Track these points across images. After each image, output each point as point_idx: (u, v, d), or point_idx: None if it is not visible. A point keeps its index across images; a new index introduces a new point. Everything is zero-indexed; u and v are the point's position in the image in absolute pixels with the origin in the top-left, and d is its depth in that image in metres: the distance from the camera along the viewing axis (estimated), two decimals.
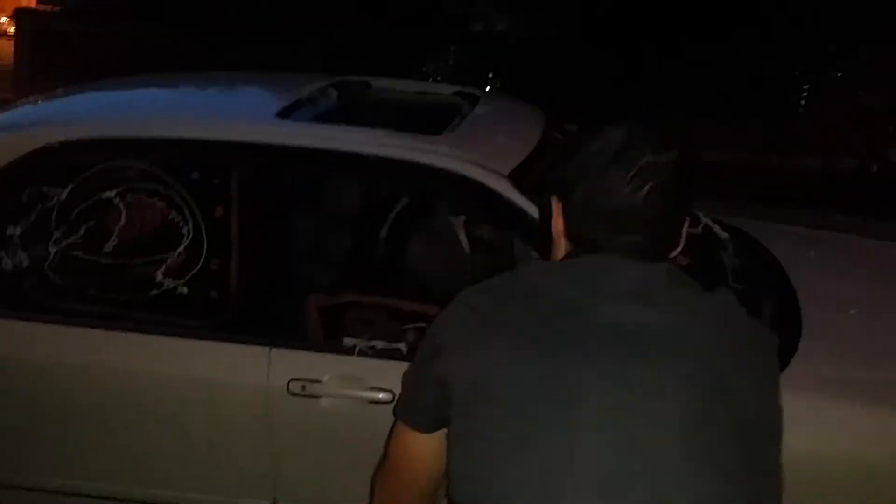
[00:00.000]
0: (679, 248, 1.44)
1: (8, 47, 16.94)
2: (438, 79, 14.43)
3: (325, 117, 2.76)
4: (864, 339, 2.59)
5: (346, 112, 2.94)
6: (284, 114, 2.64)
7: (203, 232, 2.42)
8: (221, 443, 2.40)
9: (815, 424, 2.21)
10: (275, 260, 2.43)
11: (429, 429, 1.45)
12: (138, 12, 14.31)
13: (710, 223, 3.24)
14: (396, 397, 1.55)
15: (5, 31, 18.37)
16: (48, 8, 16.48)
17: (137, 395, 2.40)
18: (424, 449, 1.46)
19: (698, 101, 12.39)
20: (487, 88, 14.29)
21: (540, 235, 2.29)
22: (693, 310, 1.33)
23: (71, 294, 2.47)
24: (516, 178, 2.44)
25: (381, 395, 2.28)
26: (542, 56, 13.16)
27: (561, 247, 1.45)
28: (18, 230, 2.46)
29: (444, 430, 1.40)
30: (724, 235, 3.17)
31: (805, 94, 11.58)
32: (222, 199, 2.43)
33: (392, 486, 1.55)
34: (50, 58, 14.65)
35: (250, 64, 11.96)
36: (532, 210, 2.34)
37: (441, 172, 2.39)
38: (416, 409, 1.46)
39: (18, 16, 15.78)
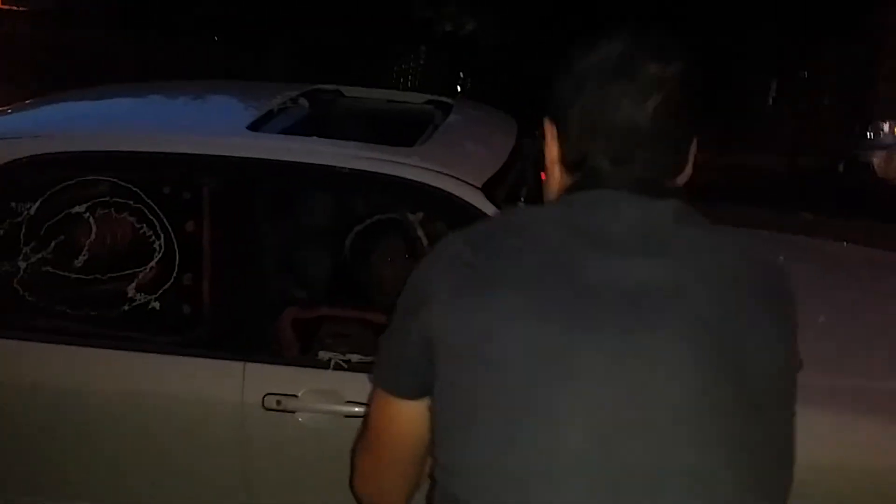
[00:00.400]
0: (688, 173, 1.28)
1: None
2: (409, 78, 14.45)
3: (296, 129, 2.75)
4: (832, 345, 2.62)
5: (318, 123, 2.93)
6: (255, 126, 2.63)
7: (175, 246, 2.40)
8: (197, 459, 2.39)
9: None
10: (248, 274, 2.42)
11: (413, 395, 1.27)
12: (105, 16, 14.17)
13: None
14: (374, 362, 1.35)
15: None
16: (12, 8, 16.25)
17: (110, 412, 2.38)
18: (409, 418, 1.29)
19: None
20: (458, 88, 14.31)
21: None
22: (700, 257, 1.18)
23: (41, 310, 2.44)
24: (490, 189, 2.44)
25: (357, 409, 2.27)
26: (512, 56, 13.21)
27: (556, 177, 1.29)
28: None
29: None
30: None
31: (772, 94, 11.69)
32: (194, 214, 2.41)
33: (375, 462, 1.37)
34: (14, 60, 14.46)
35: (220, 68, 11.90)
36: None
37: (414, 185, 2.39)
38: (397, 373, 1.28)
39: None
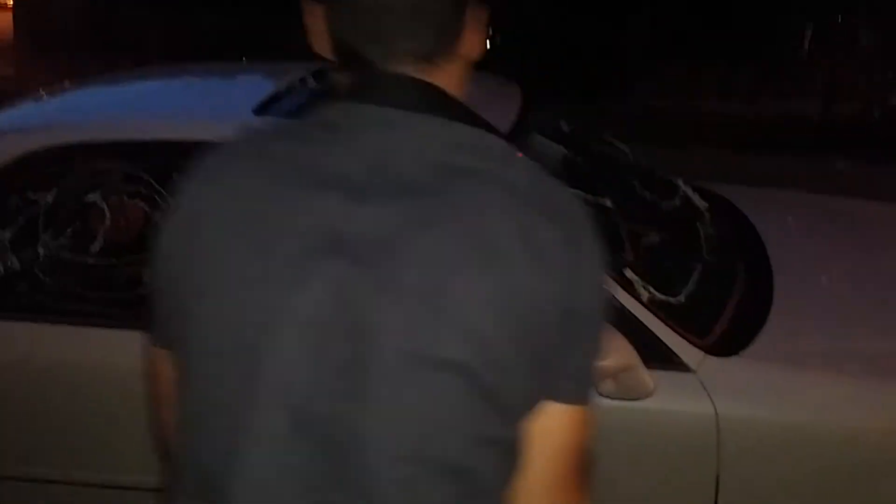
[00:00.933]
0: (476, 48, 1.13)
1: (8, 20, 16.96)
2: None
3: (302, 110, 2.81)
4: (835, 308, 2.65)
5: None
6: (261, 110, 2.70)
7: None
8: None
9: (780, 395, 2.30)
10: None
11: (164, 346, 1.15)
12: None
13: (688, 192, 3.29)
14: None
15: (4, 4, 18.38)
16: None
17: (127, 389, 2.48)
18: (165, 367, 1.16)
19: (694, 48, 12.33)
20: (488, 45, 14.20)
21: None
22: (444, 200, 0.99)
23: (61, 294, 2.55)
24: None
25: None
26: (544, 10, 13.08)
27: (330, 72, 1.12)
28: (8, 234, 2.55)
29: None
30: (702, 205, 3.22)
31: (806, 39, 11.48)
32: None
33: (153, 413, 1.27)
34: (49, 33, 14.66)
35: (272, 40, 11.95)
36: None
37: None
38: (152, 321, 1.17)
39: None
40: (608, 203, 2.65)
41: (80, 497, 2.60)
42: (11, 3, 16.66)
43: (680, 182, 3.38)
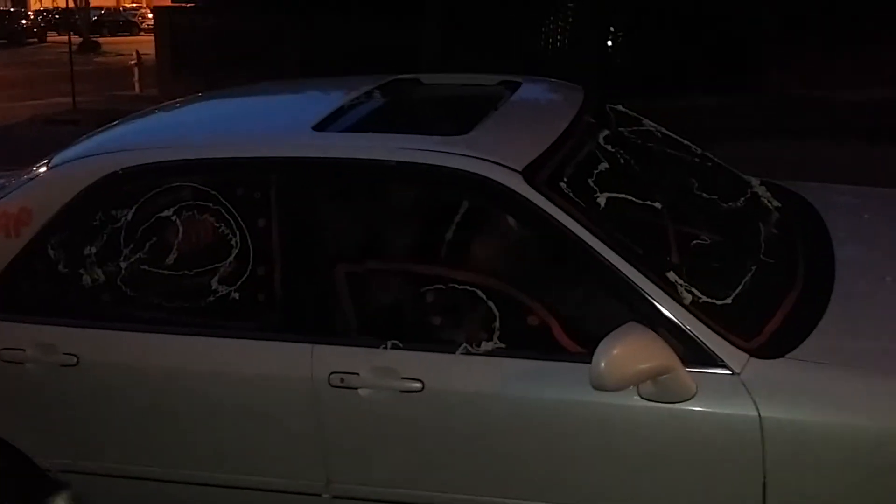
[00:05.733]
0: None
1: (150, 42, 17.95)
2: (558, 38, 14.36)
3: (362, 124, 2.94)
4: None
5: (388, 116, 3.11)
6: (321, 125, 2.84)
7: (249, 242, 2.66)
8: (277, 431, 2.65)
9: (824, 397, 2.26)
10: (312, 264, 2.64)
11: None
12: (267, 3, 14.88)
13: (760, 191, 3.24)
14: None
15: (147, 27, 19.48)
16: (183, 3, 17.30)
17: (201, 391, 2.67)
18: None
19: (833, 37, 11.87)
20: (609, 43, 14.09)
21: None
22: None
23: (140, 303, 2.76)
24: (532, 172, 2.54)
25: (411, 385, 2.46)
26: (663, 7, 12.90)
27: None
28: (94, 249, 2.78)
29: None
30: (773, 205, 3.17)
31: None
32: (264, 212, 2.66)
33: None
34: (187, 52, 15.48)
35: (380, 49, 12.32)
36: (541, 201, 2.46)
37: (457, 173, 2.54)
38: None
39: (156, 12, 16.70)
40: (657, 205, 2.65)
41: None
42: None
43: (752, 180, 3.33)
